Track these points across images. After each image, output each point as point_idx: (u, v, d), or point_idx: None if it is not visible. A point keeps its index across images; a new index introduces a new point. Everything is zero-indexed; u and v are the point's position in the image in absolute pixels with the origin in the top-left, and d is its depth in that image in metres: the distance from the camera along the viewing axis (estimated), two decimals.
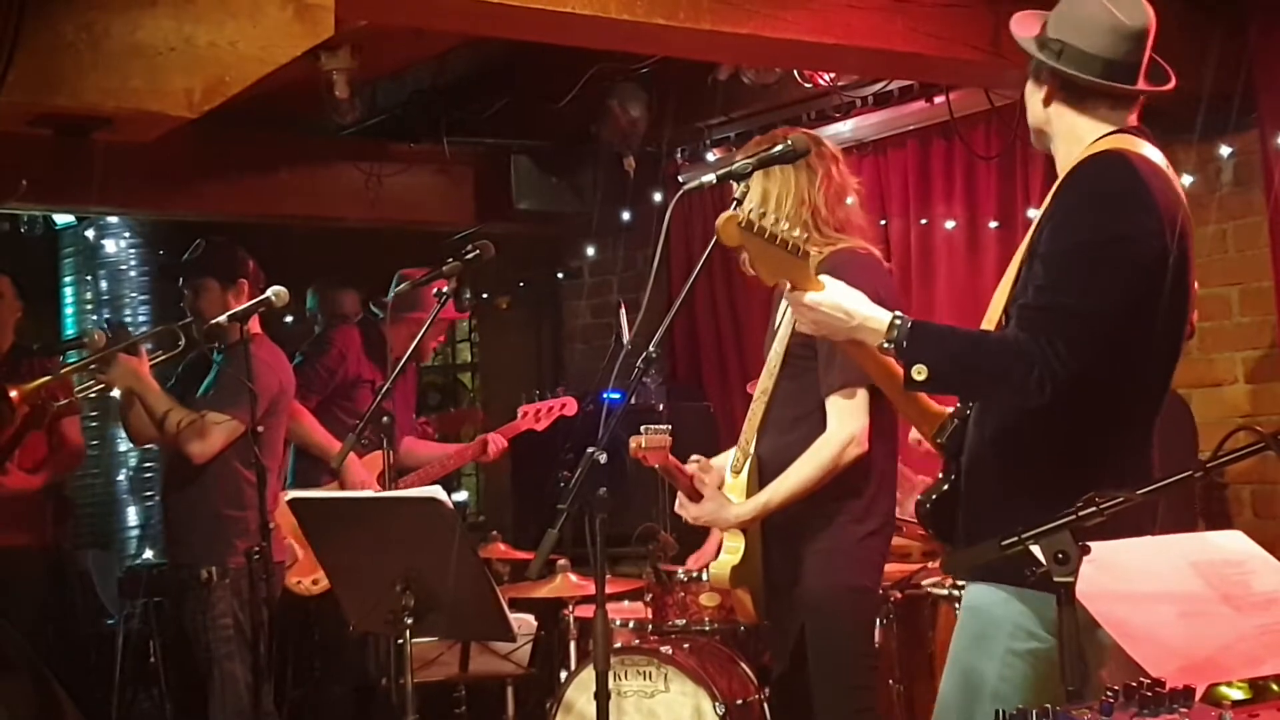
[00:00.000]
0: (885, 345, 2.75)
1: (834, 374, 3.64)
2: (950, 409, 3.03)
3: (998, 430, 2.86)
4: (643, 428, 3.50)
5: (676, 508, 3.82)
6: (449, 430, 7.09)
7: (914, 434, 3.32)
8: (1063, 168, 2.87)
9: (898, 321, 2.74)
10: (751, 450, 3.80)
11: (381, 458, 5.41)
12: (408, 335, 5.71)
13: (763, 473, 3.75)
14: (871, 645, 3.91)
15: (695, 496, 3.76)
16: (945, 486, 2.96)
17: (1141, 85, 2.86)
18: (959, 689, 2.87)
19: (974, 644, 2.86)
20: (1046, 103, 2.91)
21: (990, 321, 2.90)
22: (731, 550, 3.84)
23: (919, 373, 2.70)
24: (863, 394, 3.63)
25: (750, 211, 2.74)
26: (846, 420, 3.63)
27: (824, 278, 2.84)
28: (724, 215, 2.75)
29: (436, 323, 5.30)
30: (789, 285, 2.83)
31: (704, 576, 4.62)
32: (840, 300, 2.80)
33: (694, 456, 3.79)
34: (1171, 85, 2.90)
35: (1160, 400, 2.87)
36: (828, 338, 2.87)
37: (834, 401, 3.64)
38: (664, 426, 3.61)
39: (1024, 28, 2.95)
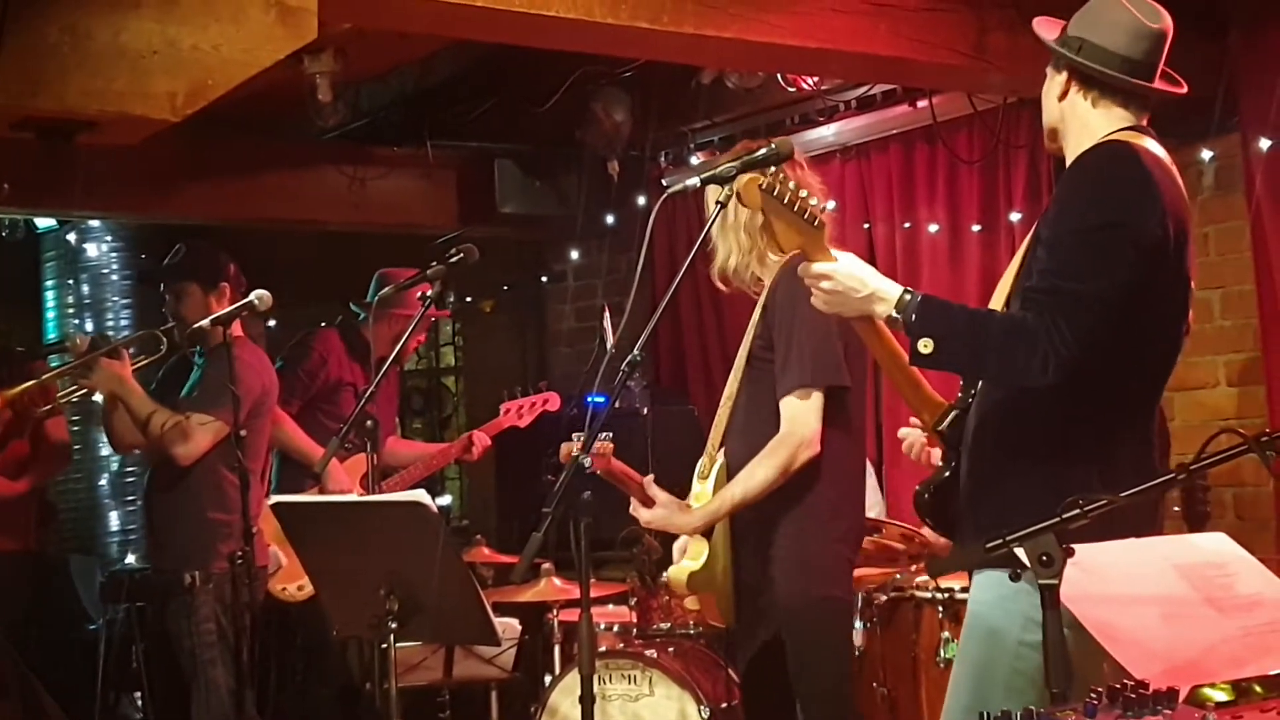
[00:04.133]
0: (894, 316, 2.76)
1: (789, 375, 3.63)
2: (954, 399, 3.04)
3: (998, 417, 2.87)
4: (574, 435, 3.42)
5: (632, 510, 3.80)
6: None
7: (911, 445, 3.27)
8: (1070, 163, 2.90)
9: (907, 295, 2.76)
10: (719, 455, 3.80)
11: (363, 461, 5.42)
12: (390, 333, 5.71)
13: (730, 477, 3.75)
14: (847, 653, 3.90)
15: (647, 502, 3.75)
16: (945, 475, 2.97)
17: (1158, 84, 2.89)
18: (971, 687, 2.88)
19: (985, 640, 2.86)
20: (1062, 97, 2.93)
21: (996, 306, 2.92)
22: (693, 555, 3.83)
23: (925, 346, 2.71)
24: (817, 396, 3.62)
25: (772, 174, 2.74)
26: (798, 422, 3.61)
27: (835, 251, 2.85)
28: (745, 176, 2.78)
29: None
30: (802, 255, 2.84)
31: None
32: (853, 269, 2.82)
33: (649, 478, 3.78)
34: (1185, 90, 2.93)
35: (1159, 390, 2.90)
36: (839, 312, 2.87)
37: (787, 403, 3.63)
38: (605, 433, 3.58)
39: (1047, 30, 2.98)
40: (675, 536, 3.94)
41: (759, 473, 3.63)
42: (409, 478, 5.87)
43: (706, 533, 3.81)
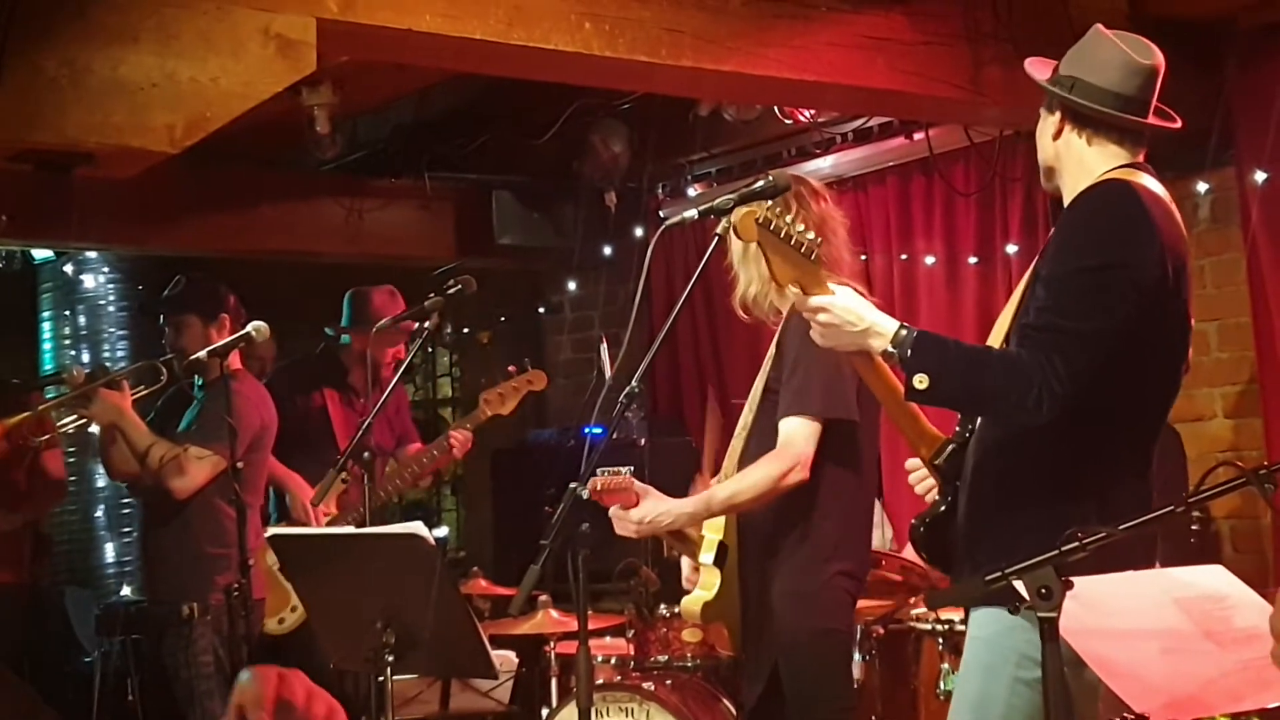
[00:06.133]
0: (890, 351, 2.77)
1: (790, 399, 3.64)
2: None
3: (996, 454, 2.87)
4: (599, 470, 3.39)
5: (614, 521, 3.69)
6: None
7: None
8: (1070, 202, 2.91)
9: (903, 331, 2.77)
10: None
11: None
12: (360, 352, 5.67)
13: None
14: (845, 686, 3.88)
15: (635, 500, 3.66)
16: (941, 509, 2.97)
17: (1152, 120, 2.90)
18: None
19: (981, 675, 2.86)
20: (1056, 136, 2.95)
21: (994, 343, 2.93)
22: (706, 586, 3.83)
23: (920, 381, 2.72)
24: (814, 424, 3.63)
25: (769, 209, 2.76)
26: (795, 443, 3.62)
27: (832, 284, 2.86)
28: (742, 210, 2.79)
29: (388, 334, 5.26)
30: (799, 289, 2.85)
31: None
32: (850, 303, 2.83)
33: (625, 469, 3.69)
34: (1179, 125, 2.94)
35: (1158, 428, 2.90)
36: (835, 346, 2.88)
37: (786, 422, 3.64)
38: (625, 468, 3.58)
39: (1039, 70, 2.99)
40: (675, 570, 3.92)
41: (749, 479, 3.65)
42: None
43: (719, 562, 3.80)
